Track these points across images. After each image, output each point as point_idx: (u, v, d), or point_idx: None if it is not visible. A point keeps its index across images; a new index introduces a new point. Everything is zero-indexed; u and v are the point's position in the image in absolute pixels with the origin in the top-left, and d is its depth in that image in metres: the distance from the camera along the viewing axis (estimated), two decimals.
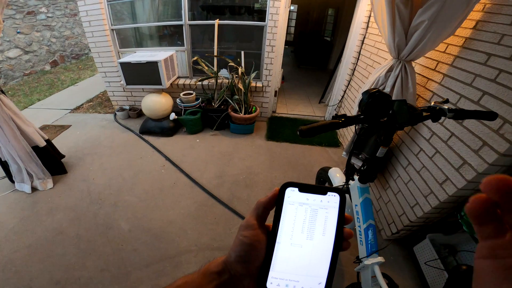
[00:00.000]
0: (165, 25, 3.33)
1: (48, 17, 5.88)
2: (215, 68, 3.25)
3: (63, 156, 2.64)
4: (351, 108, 2.97)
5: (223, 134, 3.31)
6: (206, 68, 3.16)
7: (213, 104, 3.30)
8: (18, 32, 5.19)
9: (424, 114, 0.94)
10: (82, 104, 4.15)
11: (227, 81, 3.20)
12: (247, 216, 0.34)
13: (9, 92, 4.66)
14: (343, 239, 0.32)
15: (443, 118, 0.94)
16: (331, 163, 2.81)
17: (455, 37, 1.45)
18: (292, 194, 0.32)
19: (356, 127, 1.08)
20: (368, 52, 2.65)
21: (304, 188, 0.32)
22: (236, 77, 3.12)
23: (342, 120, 0.86)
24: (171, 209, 2.15)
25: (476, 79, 1.31)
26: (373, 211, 1.16)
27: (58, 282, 1.61)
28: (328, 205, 0.32)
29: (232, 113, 3.12)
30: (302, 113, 3.95)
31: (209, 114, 3.23)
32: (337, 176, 1.58)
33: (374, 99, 0.89)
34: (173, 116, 3.16)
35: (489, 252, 0.21)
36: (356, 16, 3.00)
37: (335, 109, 3.54)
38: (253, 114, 3.15)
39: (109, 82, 3.60)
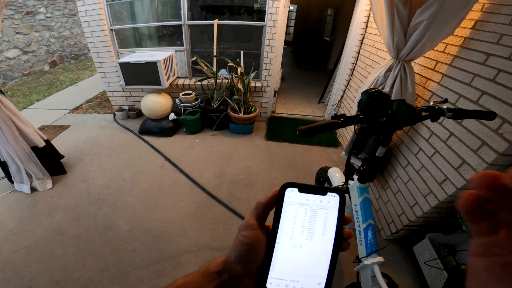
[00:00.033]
0: (164, 25, 3.33)
1: (47, 17, 5.87)
2: (214, 68, 3.25)
3: (62, 157, 2.63)
4: (351, 108, 2.97)
5: (223, 134, 3.31)
6: (206, 68, 3.15)
7: (213, 104, 3.30)
8: (17, 32, 5.18)
9: (423, 114, 0.94)
10: (81, 105, 4.15)
11: (227, 81, 3.20)
12: (247, 216, 0.35)
13: (8, 93, 4.65)
14: (342, 240, 0.32)
15: (442, 118, 0.94)
16: (330, 163, 2.81)
17: (454, 37, 1.45)
18: (292, 195, 0.32)
19: (356, 127, 1.08)
20: (367, 52, 2.66)
21: (304, 188, 0.32)
22: (235, 77, 3.12)
23: (341, 120, 0.86)
24: (171, 209, 2.15)
25: (475, 79, 1.31)
26: (373, 211, 1.16)
27: (58, 283, 1.60)
28: (328, 205, 0.32)
29: (232, 113, 3.12)
30: (302, 113, 3.95)
31: (208, 114, 3.23)
32: (336, 176, 1.58)
33: (373, 99, 0.89)
34: (172, 116, 3.16)
35: (483, 249, 0.21)
36: (355, 16, 3.00)
37: (334, 109, 3.54)
38: (253, 114, 3.15)
39: (108, 82, 3.60)
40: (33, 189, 2.29)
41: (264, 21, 3.03)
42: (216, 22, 3.07)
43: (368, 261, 1.08)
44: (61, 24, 6.33)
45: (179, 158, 2.79)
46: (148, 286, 1.61)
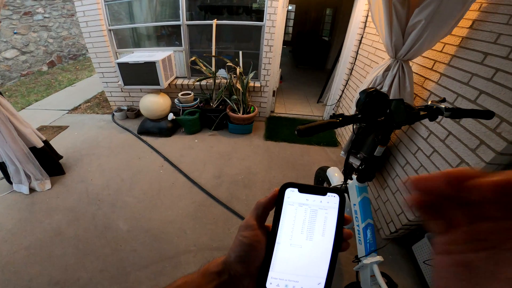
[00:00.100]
0: (163, 25, 3.32)
1: (45, 17, 5.85)
2: (213, 68, 3.25)
3: (61, 157, 2.63)
4: (349, 108, 2.98)
5: (222, 134, 3.31)
6: (204, 68, 3.15)
7: (211, 104, 3.29)
8: (15, 33, 5.16)
9: (421, 113, 0.95)
10: (79, 105, 4.14)
11: (225, 81, 3.20)
12: (247, 216, 0.35)
13: (6, 93, 4.63)
14: (342, 240, 0.32)
15: (440, 117, 0.95)
16: (329, 163, 2.81)
17: (451, 36, 1.46)
18: (291, 195, 0.33)
19: (354, 126, 1.08)
20: (365, 52, 2.66)
21: (303, 188, 0.32)
22: (234, 77, 3.12)
23: (340, 120, 0.86)
24: (170, 209, 2.15)
25: (473, 78, 1.32)
26: (372, 210, 1.17)
27: (57, 283, 1.60)
28: (327, 205, 0.32)
29: (231, 113, 3.12)
30: (301, 113, 3.96)
31: (207, 114, 3.23)
32: (335, 176, 1.59)
33: (371, 99, 0.89)
34: (171, 116, 3.16)
35: (442, 248, 0.21)
36: (353, 16, 3.01)
37: (333, 109, 3.54)
38: (252, 114, 3.15)
39: (106, 82, 3.59)
40: (31, 190, 2.29)
41: (262, 21, 3.03)
42: (214, 22, 3.06)
43: (367, 261, 1.09)
44: (59, 24, 6.30)
45: (178, 158, 2.79)
46: (148, 286, 1.61)
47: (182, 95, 3.20)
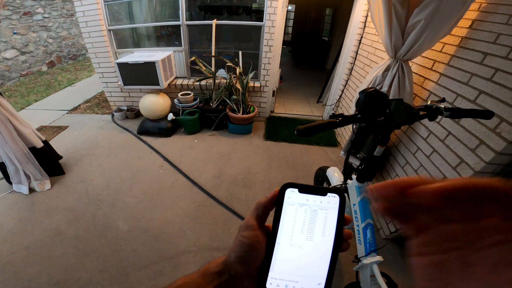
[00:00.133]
0: (162, 25, 3.32)
1: (44, 17, 5.84)
2: (213, 68, 3.25)
3: (61, 157, 2.63)
4: (349, 108, 2.98)
5: (221, 134, 3.31)
6: (204, 68, 3.15)
7: (211, 104, 3.29)
8: (14, 33, 5.15)
9: (421, 113, 0.95)
10: (79, 105, 4.13)
11: (225, 81, 3.20)
12: (247, 216, 0.35)
13: (6, 93, 4.63)
14: (342, 240, 0.32)
15: (439, 117, 0.95)
16: (329, 163, 2.81)
17: (451, 36, 1.46)
18: (292, 195, 0.33)
19: (354, 126, 1.08)
20: (365, 52, 2.66)
21: (304, 189, 0.32)
22: (234, 77, 3.12)
23: (340, 120, 0.86)
24: (170, 209, 2.15)
25: (472, 78, 1.32)
26: (371, 210, 1.17)
27: (57, 283, 1.60)
28: (328, 206, 0.32)
29: (230, 113, 3.12)
30: (300, 113, 3.96)
31: (207, 114, 3.23)
32: (335, 176, 1.59)
33: (371, 99, 0.89)
34: (171, 116, 3.16)
35: (415, 250, 0.22)
36: (353, 16, 3.01)
37: (333, 109, 3.54)
38: (251, 114, 3.15)
39: (106, 82, 3.59)
40: (31, 190, 2.28)
41: (262, 21, 3.03)
42: (214, 22, 3.06)
43: (367, 261, 1.09)
44: (58, 24, 6.30)
45: (178, 158, 2.79)
46: (148, 286, 1.61)
47: (181, 95, 3.20)
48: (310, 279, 0.31)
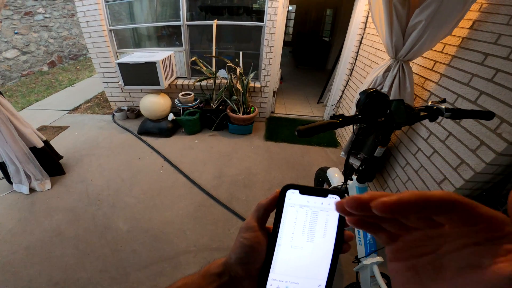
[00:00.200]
0: (163, 25, 3.32)
1: (45, 17, 5.86)
2: (213, 69, 3.25)
3: (61, 157, 2.63)
4: (349, 108, 2.98)
5: (222, 134, 3.31)
6: (205, 68, 3.15)
7: (212, 105, 3.29)
8: (15, 33, 5.16)
9: (422, 113, 0.95)
10: (80, 105, 4.14)
11: (226, 81, 3.20)
12: (247, 218, 0.35)
13: (7, 93, 4.64)
14: (343, 242, 0.32)
15: (440, 117, 0.95)
16: (329, 163, 2.81)
17: (452, 37, 1.46)
18: (292, 196, 0.32)
19: (354, 127, 1.08)
20: (366, 52, 2.66)
21: (305, 190, 0.32)
22: (234, 77, 3.12)
23: (340, 120, 0.86)
24: (170, 209, 2.15)
25: (473, 79, 1.32)
26: None
27: (57, 283, 1.60)
28: (329, 207, 0.32)
29: (231, 114, 3.12)
30: (301, 113, 3.96)
31: (207, 114, 3.23)
32: (335, 176, 1.59)
33: (371, 99, 0.89)
34: (171, 116, 3.16)
35: (391, 256, 0.23)
36: (354, 16, 3.01)
37: (333, 109, 3.54)
38: (252, 115, 3.15)
39: (107, 83, 3.59)
40: (32, 190, 2.29)
41: (263, 22, 3.03)
42: (215, 22, 3.07)
43: (367, 261, 1.09)
44: (59, 24, 6.31)
45: (178, 159, 2.79)
46: (148, 286, 1.61)
47: (182, 95, 3.20)
48: (311, 280, 0.31)
